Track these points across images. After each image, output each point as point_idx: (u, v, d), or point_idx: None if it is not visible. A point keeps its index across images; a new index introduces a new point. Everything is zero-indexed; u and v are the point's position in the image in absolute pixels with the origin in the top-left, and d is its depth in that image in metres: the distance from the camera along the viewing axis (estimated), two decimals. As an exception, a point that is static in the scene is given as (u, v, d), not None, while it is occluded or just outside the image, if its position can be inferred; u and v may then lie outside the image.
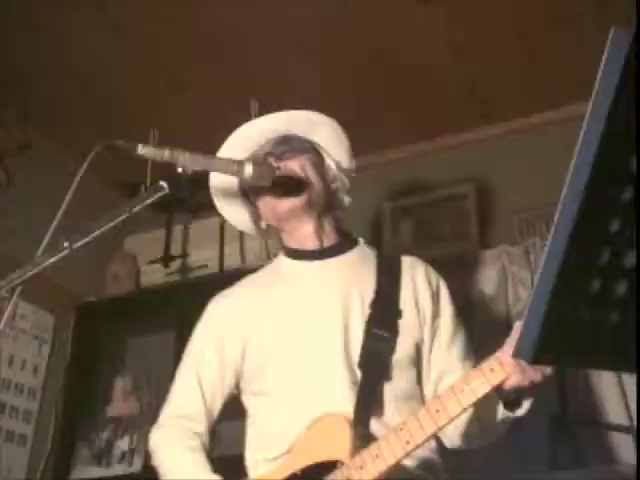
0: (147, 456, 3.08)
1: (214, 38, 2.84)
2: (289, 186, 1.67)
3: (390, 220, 3.22)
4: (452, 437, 1.62)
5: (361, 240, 1.81)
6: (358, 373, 1.56)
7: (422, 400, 1.62)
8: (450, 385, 1.40)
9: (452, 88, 3.05)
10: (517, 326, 1.42)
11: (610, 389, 2.44)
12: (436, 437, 1.57)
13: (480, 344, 2.71)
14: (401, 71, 2.96)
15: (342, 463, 1.42)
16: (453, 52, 2.88)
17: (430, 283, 1.70)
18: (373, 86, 2.98)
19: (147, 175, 3.14)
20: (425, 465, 1.54)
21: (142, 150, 1.47)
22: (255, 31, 2.80)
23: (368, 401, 1.52)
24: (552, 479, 2.37)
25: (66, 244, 1.38)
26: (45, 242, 1.39)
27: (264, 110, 3.11)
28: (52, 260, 1.37)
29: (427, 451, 1.55)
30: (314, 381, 1.56)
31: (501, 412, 1.47)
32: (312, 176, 1.71)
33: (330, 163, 1.78)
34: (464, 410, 1.36)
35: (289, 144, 1.74)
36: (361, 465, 1.39)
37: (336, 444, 1.46)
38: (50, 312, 3.29)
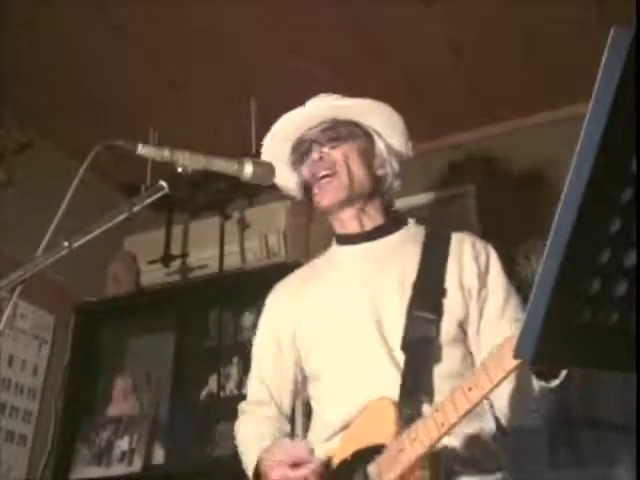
0: (147, 456, 3.11)
1: (214, 38, 2.84)
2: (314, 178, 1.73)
3: (390, 220, 3.22)
4: (502, 411, 1.59)
5: (411, 220, 1.81)
6: (398, 356, 1.56)
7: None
8: (481, 363, 1.38)
9: (452, 88, 3.05)
10: None
11: (610, 389, 2.44)
12: (495, 419, 1.57)
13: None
14: (401, 71, 2.96)
15: (386, 448, 1.43)
16: (453, 52, 2.88)
17: (477, 257, 1.67)
18: (373, 86, 2.97)
19: (147, 175, 3.15)
20: (478, 450, 1.54)
21: (142, 150, 1.47)
22: (255, 31, 2.80)
23: (413, 383, 1.52)
24: (552, 479, 2.37)
25: (66, 244, 1.38)
26: (45, 242, 1.39)
27: (264, 110, 3.13)
28: (52, 260, 1.37)
29: (482, 435, 1.55)
30: (353, 365, 1.60)
31: (535, 383, 1.42)
32: (354, 166, 1.72)
33: (381, 148, 1.79)
34: (495, 385, 1.30)
35: (336, 130, 1.76)
36: (401, 448, 1.39)
37: (382, 428, 1.47)
38: (50, 312, 3.29)
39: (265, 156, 1.82)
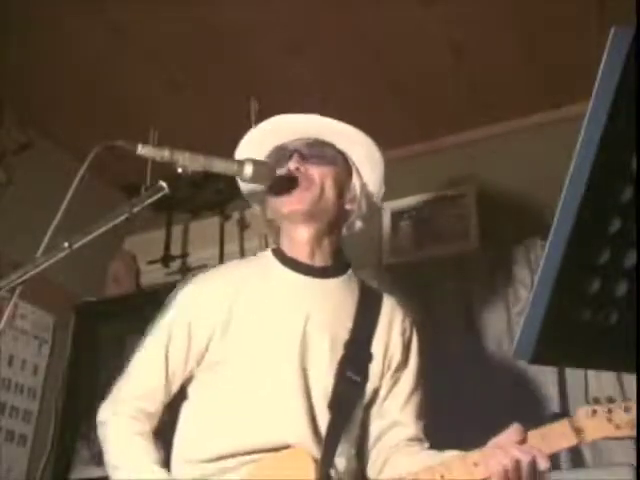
0: (147, 456, 3.10)
1: (214, 38, 2.84)
2: (286, 183, 1.63)
3: (390, 220, 3.22)
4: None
5: (350, 269, 1.74)
6: (317, 410, 1.53)
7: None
8: (430, 465, 1.39)
9: (452, 88, 3.05)
10: (514, 427, 1.37)
11: (610, 389, 2.44)
12: None
13: (480, 344, 2.71)
14: (401, 71, 2.96)
15: None
16: (453, 52, 2.88)
17: (404, 333, 1.68)
18: (373, 86, 2.98)
19: (147, 175, 3.15)
20: None
21: (142, 150, 1.47)
22: (255, 31, 2.80)
23: (334, 443, 1.51)
24: (552, 479, 2.37)
25: (66, 244, 1.38)
26: (45, 242, 1.39)
27: (264, 110, 3.13)
28: (52, 260, 1.37)
29: None
30: (265, 397, 1.53)
31: None
32: (328, 190, 1.65)
33: (355, 183, 1.72)
34: None
35: (321, 150, 1.69)
36: None
37: (294, 474, 1.44)
38: (50, 312, 3.29)
39: (241, 150, 1.75)
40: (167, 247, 3.46)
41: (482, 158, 3.15)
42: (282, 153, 1.70)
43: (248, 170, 1.56)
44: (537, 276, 0.77)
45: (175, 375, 1.64)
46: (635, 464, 2.08)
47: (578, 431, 1.21)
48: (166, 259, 3.43)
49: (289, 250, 1.69)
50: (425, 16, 2.70)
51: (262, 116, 3.12)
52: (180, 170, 1.49)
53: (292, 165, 1.65)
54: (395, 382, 1.65)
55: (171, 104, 3.14)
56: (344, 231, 1.75)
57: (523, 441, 1.32)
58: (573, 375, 2.47)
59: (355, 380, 1.57)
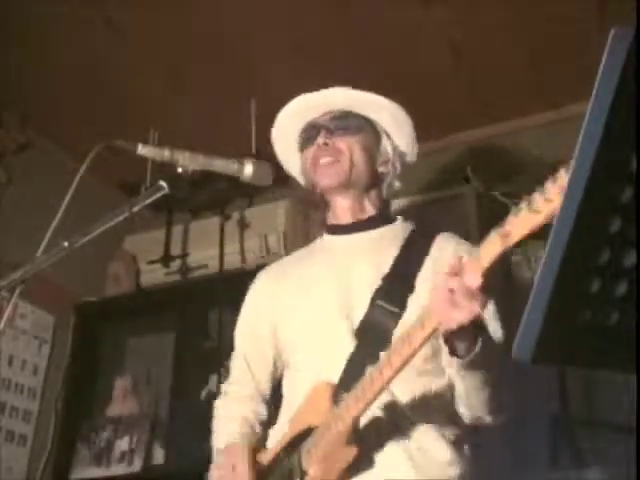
0: (147, 456, 3.11)
1: (214, 38, 2.84)
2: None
3: (390, 220, 3.22)
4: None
5: (399, 218, 1.83)
6: None
7: (442, 375, 1.58)
8: (399, 335, 1.40)
9: (452, 88, 3.05)
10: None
11: (610, 389, 2.44)
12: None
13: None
14: (401, 71, 2.96)
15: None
16: (453, 52, 2.88)
17: (459, 253, 1.66)
18: (373, 86, 2.97)
19: (147, 175, 3.15)
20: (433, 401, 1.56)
21: (142, 150, 1.47)
22: (255, 31, 2.80)
23: (358, 369, 1.51)
24: (552, 479, 2.37)
25: (66, 244, 1.38)
26: (45, 242, 1.39)
27: (264, 110, 3.13)
28: (52, 260, 1.38)
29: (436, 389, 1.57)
30: (319, 354, 1.63)
31: (449, 362, 1.41)
32: (357, 158, 1.75)
33: (387, 146, 1.82)
34: (416, 350, 1.31)
35: (346, 121, 1.79)
36: (327, 425, 1.44)
37: (318, 411, 1.50)
38: (50, 312, 3.29)
39: (276, 134, 1.91)
40: (167, 247, 3.46)
41: (482, 158, 3.15)
42: (312, 130, 1.81)
43: (248, 170, 1.57)
44: (537, 276, 0.77)
45: (261, 368, 1.79)
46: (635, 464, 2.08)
47: (505, 235, 1.15)
48: (166, 259, 3.43)
49: (333, 218, 1.81)
50: (425, 16, 2.70)
51: (262, 116, 3.13)
52: (180, 170, 1.49)
53: (320, 140, 1.76)
54: None
55: (171, 104, 3.14)
56: (384, 191, 1.84)
57: (458, 272, 1.25)
58: (573, 375, 2.47)
59: (387, 309, 1.59)
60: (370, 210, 1.79)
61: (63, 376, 3.30)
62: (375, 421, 1.50)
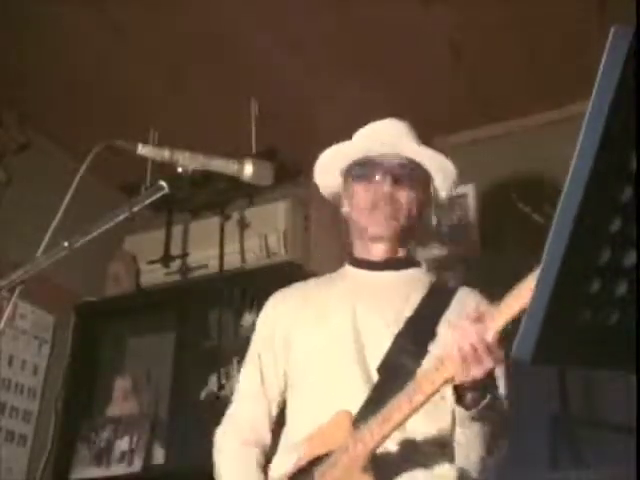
0: (147, 456, 3.11)
1: (214, 38, 2.84)
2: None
3: (390, 220, 3.22)
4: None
5: (423, 265, 1.85)
6: (373, 376, 1.60)
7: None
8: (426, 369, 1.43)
9: (452, 88, 3.05)
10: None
11: (610, 389, 2.44)
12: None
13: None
14: (401, 71, 2.96)
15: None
16: (453, 52, 2.88)
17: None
18: (373, 86, 2.98)
19: (147, 175, 3.15)
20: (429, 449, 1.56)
21: (142, 150, 1.47)
22: (255, 31, 2.80)
23: (378, 402, 1.53)
24: (552, 479, 2.37)
25: (66, 244, 1.38)
26: (45, 242, 1.39)
27: (264, 110, 3.13)
28: (52, 260, 1.37)
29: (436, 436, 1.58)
30: (329, 381, 1.63)
31: (456, 410, 1.44)
32: (412, 215, 1.77)
33: (429, 197, 1.85)
34: (437, 388, 1.36)
35: (412, 174, 1.79)
36: (345, 450, 1.46)
37: (337, 437, 1.51)
38: (50, 312, 3.29)
39: (329, 152, 1.86)
40: (167, 247, 3.46)
41: (482, 158, 3.15)
42: (372, 168, 1.78)
43: (248, 170, 1.56)
44: (537, 276, 0.77)
45: (274, 391, 1.77)
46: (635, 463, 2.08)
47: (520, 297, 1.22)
48: (166, 259, 3.43)
49: (364, 252, 1.82)
50: (425, 16, 2.70)
51: (262, 116, 3.14)
52: (180, 170, 1.49)
53: (386, 189, 1.74)
54: None
55: (171, 104, 3.14)
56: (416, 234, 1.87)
57: (479, 319, 1.31)
58: (573, 375, 2.47)
59: (411, 350, 1.61)
60: (401, 251, 1.81)
61: (63, 376, 3.30)
62: (388, 454, 1.51)
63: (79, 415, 3.31)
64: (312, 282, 1.93)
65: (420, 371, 1.56)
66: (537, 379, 2.51)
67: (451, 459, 1.57)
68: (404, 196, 1.76)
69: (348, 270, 1.85)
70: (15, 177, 3.19)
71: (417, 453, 1.55)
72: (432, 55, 2.89)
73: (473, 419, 1.43)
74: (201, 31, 2.81)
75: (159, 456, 3.12)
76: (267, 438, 1.75)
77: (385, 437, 1.42)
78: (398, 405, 1.39)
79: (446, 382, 1.36)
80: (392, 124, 1.85)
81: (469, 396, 1.39)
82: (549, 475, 2.36)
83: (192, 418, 3.09)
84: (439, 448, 1.57)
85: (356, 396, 1.58)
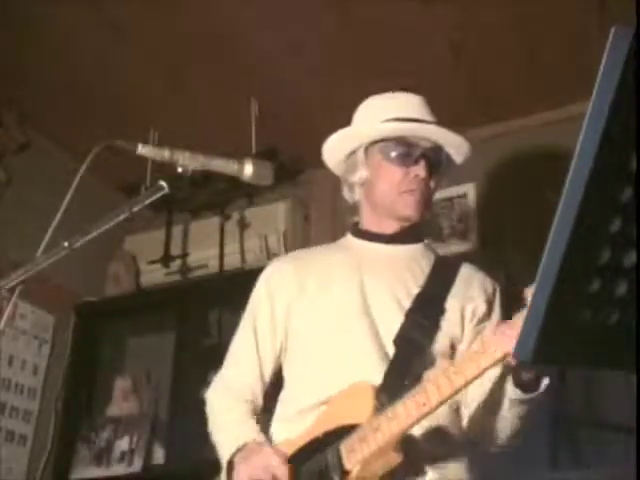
0: (147, 456, 3.11)
1: (214, 38, 2.84)
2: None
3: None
4: (467, 419, 1.62)
5: (427, 240, 1.86)
6: (388, 350, 1.60)
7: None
8: (467, 351, 1.41)
9: (452, 88, 3.05)
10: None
11: (610, 389, 2.44)
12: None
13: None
14: (401, 71, 2.96)
15: (360, 427, 1.45)
16: (453, 52, 2.88)
17: (486, 290, 1.73)
18: (372, 86, 2.97)
19: (147, 175, 3.15)
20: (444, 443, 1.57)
21: (142, 150, 1.47)
22: (255, 31, 2.80)
23: (398, 376, 1.54)
24: (552, 479, 2.37)
25: (66, 244, 1.38)
26: (45, 242, 1.39)
27: (264, 110, 3.13)
28: (52, 260, 1.37)
29: (450, 430, 1.58)
30: (339, 349, 1.63)
31: (511, 391, 1.44)
32: (432, 197, 1.82)
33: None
34: (480, 373, 1.34)
35: (440, 157, 1.81)
36: (376, 427, 1.41)
37: (358, 410, 1.48)
38: (50, 312, 3.29)
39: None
40: (167, 247, 3.46)
41: (482, 158, 3.15)
42: (408, 149, 1.77)
43: (248, 170, 1.56)
44: (537, 276, 0.77)
45: (269, 352, 1.76)
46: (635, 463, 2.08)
47: None
48: (166, 259, 3.43)
49: (369, 225, 1.81)
50: (425, 16, 2.70)
51: (262, 116, 3.14)
52: (180, 170, 1.49)
53: (422, 173, 1.74)
54: (480, 331, 1.67)
55: (171, 104, 3.14)
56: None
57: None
58: (573, 375, 2.47)
59: (423, 325, 1.62)
60: (411, 225, 1.81)
61: (63, 376, 3.30)
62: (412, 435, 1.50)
63: (79, 415, 3.31)
64: (311, 250, 1.94)
65: (433, 349, 1.59)
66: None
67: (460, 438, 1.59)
68: (433, 182, 1.80)
69: (351, 241, 1.84)
70: (15, 177, 3.19)
71: (439, 435, 1.55)
72: (432, 55, 2.89)
73: (522, 403, 1.44)
74: (201, 31, 2.81)
75: (159, 456, 3.12)
76: (260, 400, 1.73)
77: (423, 418, 1.39)
78: (437, 387, 1.36)
79: (495, 363, 1.34)
80: (413, 101, 1.91)
81: (525, 378, 1.40)
82: (549, 475, 2.36)
83: (192, 418, 3.08)
84: (453, 427, 1.59)
85: (371, 368, 1.56)
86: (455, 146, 1.84)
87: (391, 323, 1.63)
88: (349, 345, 1.62)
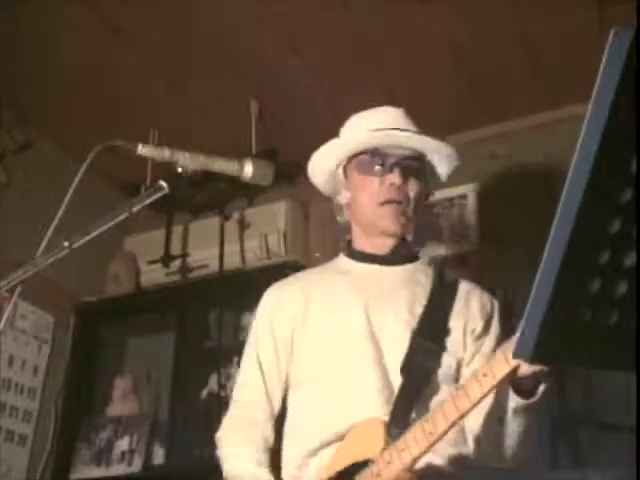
0: (147, 456, 3.11)
1: (214, 38, 2.84)
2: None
3: (390, 220, 3.21)
4: (475, 440, 1.62)
5: (422, 258, 1.85)
6: (393, 380, 1.59)
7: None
8: (472, 373, 1.40)
9: (452, 88, 3.05)
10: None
11: (610, 389, 2.44)
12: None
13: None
14: (401, 71, 2.96)
15: (373, 462, 1.45)
16: (453, 52, 2.88)
17: (484, 307, 1.73)
18: (372, 86, 2.97)
19: (147, 175, 3.15)
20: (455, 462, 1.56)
21: (142, 150, 1.47)
22: (255, 31, 2.80)
23: (406, 407, 1.53)
24: (552, 479, 2.37)
25: (66, 244, 1.38)
26: (45, 242, 1.39)
27: (264, 110, 3.13)
28: (52, 260, 1.38)
29: (459, 449, 1.58)
30: (345, 380, 1.61)
31: (512, 399, 1.44)
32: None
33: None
34: (485, 394, 1.34)
35: (418, 164, 1.78)
36: (389, 460, 1.42)
37: (370, 445, 1.48)
38: (50, 312, 3.29)
39: (337, 140, 1.84)
40: (167, 247, 3.46)
41: (483, 158, 3.15)
42: (381, 159, 1.75)
43: (248, 170, 1.56)
44: (537, 276, 0.77)
45: (276, 385, 1.75)
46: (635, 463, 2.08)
47: None
48: (166, 259, 3.42)
49: (361, 244, 1.80)
50: (425, 16, 2.70)
51: (262, 116, 3.14)
52: (180, 170, 1.49)
53: (396, 180, 1.72)
54: (478, 348, 1.67)
55: (171, 104, 3.14)
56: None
57: None
58: (573, 375, 2.47)
59: (430, 347, 1.61)
60: (402, 244, 1.80)
61: (63, 376, 3.29)
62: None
63: (79, 415, 3.31)
64: (307, 275, 1.90)
65: (440, 373, 1.59)
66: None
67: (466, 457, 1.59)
68: (412, 188, 1.76)
69: (348, 263, 1.82)
70: (15, 177, 3.19)
71: (451, 456, 1.55)
72: (432, 55, 2.89)
73: (526, 410, 1.44)
74: (201, 31, 2.81)
75: (159, 456, 3.12)
76: (270, 431, 1.72)
77: (432, 446, 1.39)
78: (443, 414, 1.36)
79: (499, 384, 1.34)
80: (393, 113, 1.84)
81: (526, 386, 1.40)
82: (549, 475, 2.36)
83: (192, 418, 3.09)
84: (457, 447, 1.58)
85: (376, 397, 1.56)
86: (434, 151, 1.80)
87: (396, 347, 1.62)
88: (354, 374, 1.61)
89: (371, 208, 1.75)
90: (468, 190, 3.14)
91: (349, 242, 1.84)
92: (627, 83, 0.70)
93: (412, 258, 1.82)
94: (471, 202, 3.12)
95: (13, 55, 2.92)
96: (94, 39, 2.85)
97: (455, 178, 3.13)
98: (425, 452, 1.40)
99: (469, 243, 3.04)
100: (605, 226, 0.75)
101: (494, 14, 2.67)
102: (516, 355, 0.81)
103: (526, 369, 1.32)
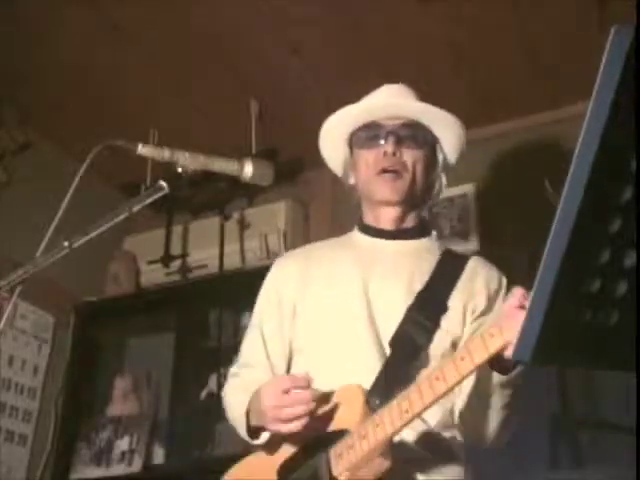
0: (147, 456, 3.11)
1: (214, 38, 2.84)
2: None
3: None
4: (461, 420, 1.60)
5: (434, 233, 1.84)
6: (387, 352, 1.59)
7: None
8: (453, 354, 1.39)
9: (452, 88, 3.04)
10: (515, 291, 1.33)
11: (610, 389, 2.44)
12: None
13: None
14: (401, 71, 2.96)
15: (349, 432, 1.44)
16: (453, 52, 2.88)
17: (489, 284, 1.70)
18: (372, 86, 2.97)
19: (147, 175, 3.15)
20: (437, 449, 1.55)
21: (142, 150, 1.47)
22: (255, 31, 2.80)
23: (390, 378, 1.52)
24: (552, 479, 2.37)
25: (66, 244, 1.38)
26: (45, 242, 1.39)
27: (264, 110, 3.13)
28: (52, 260, 1.38)
29: (444, 432, 1.57)
30: (339, 347, 1.62)
31: (495, 376, 1.43)
32: (419, 175, 1.75)
33: (440, 161, 1.82)
34: (462, 378, 1.31)
35: (414, 131, 1.76)
36: (364, 434, 1.40)
37: (348, 414, 1.48)
38: (50, 312, 3.29)
39: (334, 117, 1.83)
40: (167, 247, 3.46)
41: (482, 158, 3.15)
42: (378, 131, 1.76)
43: (248, 170, 1.57)
44: (537, 276, 0.77)
45: (278, 350, 1.74)
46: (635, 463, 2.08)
47: None
48: (166, 259, 3.43)
49: (374, 220, 1.79)
50: (425, 16, 2.70)
51: (262, 116, 3.14)
52: (180, 170, 1.49)
53: (389, 149, 1.72)
54: (477, 327, 1.64)
55: (171, 104, 3.14)
56: (428, 203, 1.85)
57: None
58: (573, 375, 2.47)
59: (422, 323, 1.60)
60: (411, 220, 1.79)
61: (63, 376, 3.29)
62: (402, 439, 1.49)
63: (79, 415, 3.31)
64: (318, 245, 1.91)
65: (431, 350, 1.57)
66: (537, 379, 2.51)
67: (455, 440, 1.58)
68: (409, 155, 1.74)
69: (357, 236, 1.83)
70: (15, 177, 3.19)
71: (431, 439, 1.54)
72: (432, 55, 2.89)
73: (506, 386, 1.43)
74: (201, 31, 2.81)
75: (159, 456, 3.12)
76: None
77: (406, 425, 1.38)
78: (419, 393, 1.34)
79: (498, 351, 1.29)
80: (394, 87, 1.85)
81: (507, 364, 1.37)
82: (549, 475, 2.36)
83: (192, 418, 3.09)
84: (447, 429, 1.58)
85: (369, 368, 1.56)
86: (432, 118, 1.78)
87: (391, 322, 1.61)
88: (350, 344, 1.61)
89: (368, 179, 1.75)
90: (468, 190, 3.14)
91: (360, 218, 1.85)
92: (627, 82, 0.70)
93: (421, 233, 1.80)
94: (471, 202, 3.12)
95: (13, 55, 2.92)
96: (94, 39, 2.85)
97: (455, 177, 3.16)
98: (399, 431, 1.39)
99: (469, 243, 3.04)
100: (605, 226, 0.75)
101: (494, 14, 2.68)
102: (516, 355, 0.81)
103: (509, 353, 1.27)
